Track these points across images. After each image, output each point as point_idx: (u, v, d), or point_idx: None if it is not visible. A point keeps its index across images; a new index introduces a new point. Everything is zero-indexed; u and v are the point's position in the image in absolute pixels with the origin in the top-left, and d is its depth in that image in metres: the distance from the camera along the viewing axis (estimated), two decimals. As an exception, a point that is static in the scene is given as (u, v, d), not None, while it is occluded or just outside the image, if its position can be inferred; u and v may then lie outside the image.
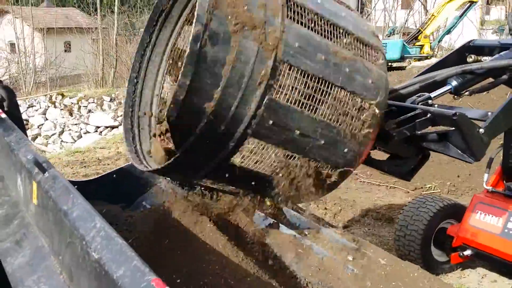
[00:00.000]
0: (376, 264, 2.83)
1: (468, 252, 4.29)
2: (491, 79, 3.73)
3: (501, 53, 3.76)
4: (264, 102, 2.19)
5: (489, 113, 3.58)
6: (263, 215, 3.41)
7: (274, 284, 2.63)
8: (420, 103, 3.30)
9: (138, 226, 3.24)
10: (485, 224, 4.22)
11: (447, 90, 3.51)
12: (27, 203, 2.51)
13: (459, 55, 4.06)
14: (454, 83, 3.51)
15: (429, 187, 7.26)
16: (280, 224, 3.29)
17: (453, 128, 3.08)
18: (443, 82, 3.55)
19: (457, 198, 6.34)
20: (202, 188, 3.35)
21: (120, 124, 12.99)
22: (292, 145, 2.36)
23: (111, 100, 16.35)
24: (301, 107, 2.33)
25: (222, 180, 2.49)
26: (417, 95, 3.39)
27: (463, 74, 3.53)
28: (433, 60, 13.84)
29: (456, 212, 4.62)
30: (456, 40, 18.03)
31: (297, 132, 2.33)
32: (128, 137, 2.92)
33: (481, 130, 3.10)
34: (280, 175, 2.45)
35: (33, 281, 2.04)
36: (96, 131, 15.96)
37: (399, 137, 3.08)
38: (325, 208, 6.11)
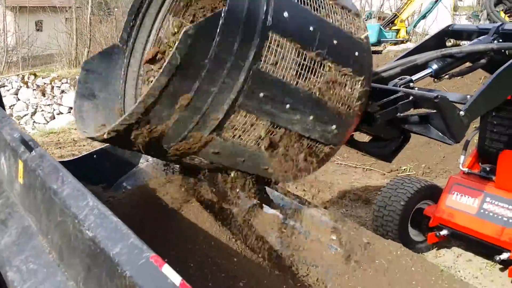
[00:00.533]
0: (359, 243, 2.88)
1: (444, 232, 4.40)
2: (469, 64, 3.82)
3: (480, 38, 3.83)
4: (251, 73, 2.17)
5: (468, 96, 3.66)
6: (247, 196, 3.44)
7: (261, 263, 2.67)
8: (402, 86, 3.35)
9: (121, 207, 3.23)
10: (461, 205, 4.33)
11: (428, 74, 3.57)
12: (12, 183, 2.48)
13: (438, 40, 4.12)
14: (435, 66, 3.56)
15: (404, 169, 7.38)
16: (263, 204, 3.32)
17: (435, 111, 3.14)
18: (423, 66, 3.61)
19: (432, 180, 6.46)
20: (186, 168, 3.35)
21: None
22: (281, 120, 2.36)
23: (85, 81, 16.03)
24: (290, 81, 2.33)
25: (210, 157, 2.47)
26: (398, 78, 3.43)
27: (443, 58, 3.59)
28: (409, 45, 14.01)
29: (433, 193, 4.72)
30: (430, 26, 18.21)
31: (287, 106, 2.34)
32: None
33: (461, 113, 3.17)
34: (268, 152, 2.46)
35: (21, 260, 2.03)
36: (69, 112, 15.70)
37: (382, 119, 3.13)
38: (304, 190, 6.16)
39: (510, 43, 3.60)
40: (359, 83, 2.56)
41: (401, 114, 3.22)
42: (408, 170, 7.34)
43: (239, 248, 2.81)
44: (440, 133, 3.25)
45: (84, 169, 3.89)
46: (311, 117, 2.41)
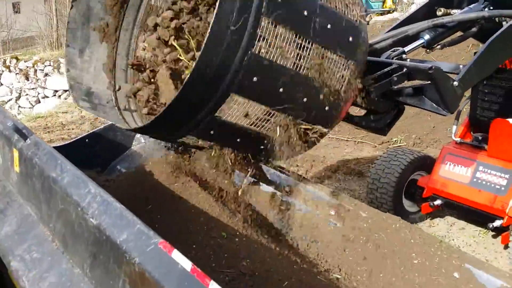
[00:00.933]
0: (358, 217, 2.90)
1: (438, 202, 4.44)
2: (460, 33, 3.81)
3: (470, 6, 3.81)
4: (247, 56, 2.16)
5: (461, 66, 3.66)
6: (243, 175, 3.44)
7: (261, 241, 2.68)
8: (395, 58, 3.33)
9: (118, 191, 3.22)
10: (454, 175, 4.36)
11: (420, 44, 3.55)
12: (8, 172, 2.45)
13: (428, 8, 4.08)
14: (427, 36, 3.55)
15: (395, 140, 7.41)
16: (260, 183, 3.32)
17: (429, 82, 3.14)
18: (415, 36, 3.59)
19: (423, 150, 6.50)
20: (181, 148, 3.33)
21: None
22: (276, 102, 2.35)
23: (68, 63, 15.81)
24: (284, 63, 2.31)
25: (207, 137, 2.46)
26: (391, 50, 3.42)
27: (434, 28, 3.57)
28: (395, 14, 13.91)
29: (426, 164, 4.75)
30: (415, -6, 18.08)
31: (281, 89, 2.33)
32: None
33: (455, 83, 3.17)
34: (264, 132, 2.45)
35: (24, 250, 2.02)
36: (55, 95, 15.50)
37: (377, 92, 3.13)
38: (297, 165, 6.18)
39: (502, 10, 3.59)
40: (353, 65, 2.56)
41: (395, 87, 3.22)
42: (399, 141, 7.37)
43: (239, 228, 2.82)
44: (435, 104, 3.26)
45: (76, 154, 3.85)
46: (305, 99, 2.40)
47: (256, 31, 2.16)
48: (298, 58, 2.32)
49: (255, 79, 2.24)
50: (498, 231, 4.20)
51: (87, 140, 3.98)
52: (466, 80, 3.24)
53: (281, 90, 2.33)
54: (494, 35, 3.33)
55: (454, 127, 4.59)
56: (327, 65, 2.42)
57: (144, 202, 2.97)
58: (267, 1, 2.18)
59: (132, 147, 4.27)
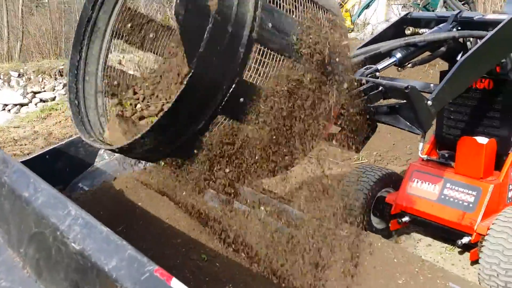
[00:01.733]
0: (338, 236, 2.84)
1: (406, 219, 4.45)
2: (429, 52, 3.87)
3: (440, 26, 3.87)
4: (259, 3, 2.11)
5: (431, 85, 3.71)
6: (214, 193, 3.32)
7: (242, 263, 2.57)
8: (369, 76, 3.33)
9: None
10: (422, 191, 4.39)
11: (392, 62, 3.58)
12: (-31, 191, 2.25)
13: (397, 28, 4.14)
14: (399, 55, 3.57)
15: (356, 157, 7.46)
16: (235, 201, 3.21)
17: (404, 101, 3.14)
18: (387, 54, 3.61)
19: (383, 167, 6.56)
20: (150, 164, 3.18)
21: (30, 102, 12.17)
22: (291, 51, 2.29)
23: (19, 76, 15.22)
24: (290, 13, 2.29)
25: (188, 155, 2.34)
26: (364, 68, 3.42)
27: (406, 47, 3.61)
28: (352, 34, 14.17)
29: (393, 180, 4.77)
30: (371, 16, 18.50)
31: (294, 37, 2.28)
32: (76, 119, 2.68)
33: (429, 102, 3.19)
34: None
35: (-10, 277, 1.83)
36: (4, 109, 14.86)
37: (353, 110, 3.10)
38: (261, 183, 6.10)
39: (471, 31, 3.66)
40: (342, 86, 2.52)
41: (372, 105, 3.21)
42: (360, 158, 7.42)
43: (220, 249, 2.70)
44: (408, 123, 3.28)
45: (36, 170, 3.67)
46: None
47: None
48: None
49: (270, 25, 2.18)
50: (466, 248, 4.24)
51: (47, 156, 3.79)
52: (439, 99, 3.27)
53: (294, 38, 2.28)
54: (466, 55, 3.39)
55: (421, 145, 4.63)
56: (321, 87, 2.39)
57: (113, 223, 2.80)
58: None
59: (95, 164, 4.10)
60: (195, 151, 2.27)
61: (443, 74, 4.41)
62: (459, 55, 4.18)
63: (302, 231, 2.89)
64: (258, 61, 2.15)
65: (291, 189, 6.18)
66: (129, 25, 2.92)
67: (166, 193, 2.98)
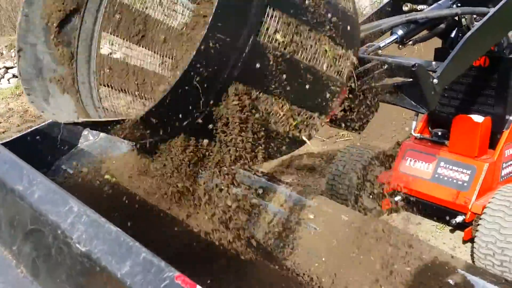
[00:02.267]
0: (339, 220, 2.74)
1: (399, 198, 4.39)
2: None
3: (439, 2, 3.75)
4: (250, 43, 1.95)
5: (433, 63, 3.60)
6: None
7: (242, 251, 2.45)
8: (371, 53, 3.21)
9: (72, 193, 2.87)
10: (416, 170, 4.32)
11: (394, 40, 3.46)
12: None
13: (394, 4, 4.01)
14: (400, 32, 3.45)
15: (342, 134, 7.39)
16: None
17: (410, 80, 3.03)
18: (388, 31, 3.50)
19: (369, 144, 6.51)
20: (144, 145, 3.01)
21: (3, 77, 11.73)
22: (277, 91, 2.14)
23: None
24: (286, 50, 2.11)
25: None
26: (366, 46, 3.29)
27: (407, 23, 3.49)
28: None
29: (385, 159, 4.70)
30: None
31: (284, 76, 2.12)
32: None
33: (435, 81, 3.09)
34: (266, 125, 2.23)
35: (-21, 276, 1.67)
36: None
37: (358, 89, 2.98)
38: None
39: (473, 8, 3.55)
40: (351, 54, 2.39)
41: (377, 84, 3.09)
42: (346, 135, 7.36)
43: (213, 235, 2.56)
44: (413, 102, 3.17)
45: (17, 153, 3.50)
46: (307, 86, 2.21)
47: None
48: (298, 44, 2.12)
49: (257, 65, 2.02)
50: (460, 227, 4.20)
51: (28, 138, 3.61)
52: (445, 77, 3.17)
53: (284, 76, 2.14)
54: (470, 31, 3.29)
55: (414, 123, 4.55)
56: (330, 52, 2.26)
57: (106, 213, 2.63)
58: None
59: (78, 145, 3.92)
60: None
61: (438, 51, 4.32)
62: (453, 32, 4.10)
63: (299, 215, 2.78)
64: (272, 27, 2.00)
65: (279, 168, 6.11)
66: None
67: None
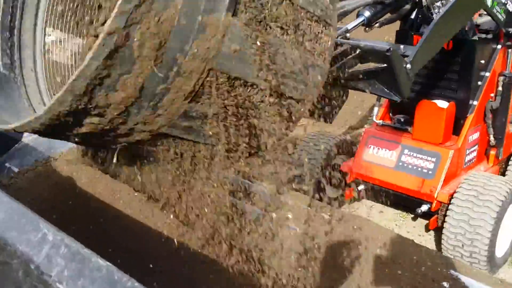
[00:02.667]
0: (320, 219, 2.56)
1: (362, 187, 4.29)
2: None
3: (405, -18, 3.64)
4: None
5: (401, 46, 3.47)
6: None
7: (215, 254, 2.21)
8: (339, 37, 3.03)
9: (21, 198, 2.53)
10: (379, 158, 4.22)
11: (361, 22, 3.32)
12: None
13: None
14: (367, 13, 3.32)
15: (305, 122, 7.23)
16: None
17: (384, 65, 2.88)
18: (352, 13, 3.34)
19: (330, 132, 6.41)
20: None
21: None
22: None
23: None
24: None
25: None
26: None
27: (374, 4, 3.35)
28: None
29: (347, 148, 4.59)
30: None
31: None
32: None
33: (408, 66, 2.98)
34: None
35: None
36: None
37: (330, 76, 2.80)
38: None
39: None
40: (330, 33, 2.18)
41: (349, 71, 2.92)
42: (307, 122, 7.20)
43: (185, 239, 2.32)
44: (386, 89, 3.04)
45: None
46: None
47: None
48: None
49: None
50: (425, 216, 4.15)
51: (-37, 134, 3.20)
52: (417, 62, 3.08)
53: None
54: (440, 14, 3.19)
55: (376, 109, 4.44)
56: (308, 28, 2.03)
57: (62, 221, 2.32)
58: None
59: (22, 140, 3.53)
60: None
61: (399, 33, 4.22)
62: (413, 14, 4.02)
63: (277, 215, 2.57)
64: None
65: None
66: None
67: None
